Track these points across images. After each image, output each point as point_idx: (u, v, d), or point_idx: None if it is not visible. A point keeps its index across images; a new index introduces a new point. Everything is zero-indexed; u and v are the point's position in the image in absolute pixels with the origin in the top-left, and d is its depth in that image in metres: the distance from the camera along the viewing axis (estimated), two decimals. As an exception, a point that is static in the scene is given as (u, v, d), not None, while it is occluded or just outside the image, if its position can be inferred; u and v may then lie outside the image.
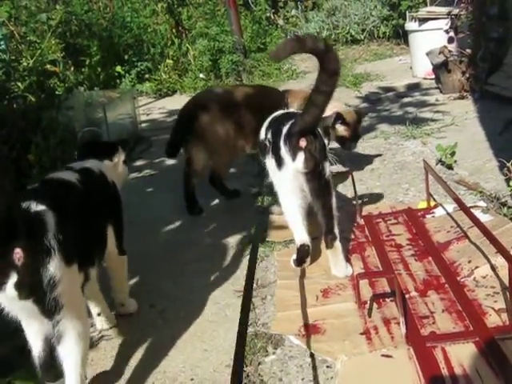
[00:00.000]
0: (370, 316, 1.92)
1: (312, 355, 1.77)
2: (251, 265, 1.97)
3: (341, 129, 3.13)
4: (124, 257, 2.15)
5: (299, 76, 7.01)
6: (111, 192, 2.05)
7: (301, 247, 2.29)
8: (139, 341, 2.02)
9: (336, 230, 2.22)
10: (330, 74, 2.01)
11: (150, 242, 2.80)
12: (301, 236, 2.28)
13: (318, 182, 2.16)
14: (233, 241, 2.68)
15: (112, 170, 2.11)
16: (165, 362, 1.88)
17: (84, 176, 1.87)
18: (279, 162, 2.18)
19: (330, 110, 2.96)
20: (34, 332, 1.64)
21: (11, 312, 1.55)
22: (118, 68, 6.92)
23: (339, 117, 3.06)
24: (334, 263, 2.25)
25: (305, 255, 2.30)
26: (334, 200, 2.21)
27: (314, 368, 1.72)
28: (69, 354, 1.57)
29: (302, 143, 2.10)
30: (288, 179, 2.19)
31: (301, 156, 2.11)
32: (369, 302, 1.98)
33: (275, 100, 3.09)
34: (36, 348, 1.66)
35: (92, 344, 2.01)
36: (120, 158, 2.19)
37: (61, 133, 3.05)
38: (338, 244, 2.23)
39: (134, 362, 1.91)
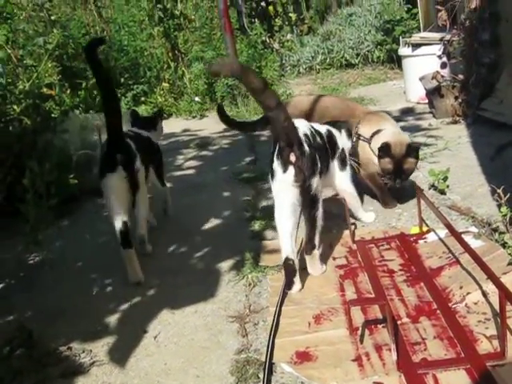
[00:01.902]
0: (361, 342, 1.93)
1: (303, 382, 1.77)
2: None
3: (384, 161, 2.97)
4: (165, 187, 3.36)
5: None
6: (155, 147, 3.22)
7: (285, 262, 2.35)
8: (131, 367, 2.01)
9: (317, 240, 2.43)
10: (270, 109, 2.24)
11: (143, 267, 2.79)
12: (286, 248, 2.35)
13: (306, 195, 2.32)
14: (225, 265, 2.68)
15: (154, 134, 3.28)
16: (157, 388, 1.88)
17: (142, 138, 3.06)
18: (272, 174, 2.34)
19: (385, 137, 3.00)
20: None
21: None
22: (115, 91, 6.96)
23: (384, 147, 2.94)
24: (310, 265, 2.49)
25: (291, 272, 2.35)
26: (319, 212, 2.39)
27: (306, 395, 1.72)
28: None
29: (292, 158, 2.26)
30: (278, 190, 2.35)
31: (291, 170, 2.28)
32: (360, 329, 1.98)
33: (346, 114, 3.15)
34: None
35: (83, 370, 2.01)
36: (159, 125, 3.39)
37: (56, 157, 3.06)
38: (316, 252, 2.46)
39: (125, 388, 1.90)
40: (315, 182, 2.33)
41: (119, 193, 2.64)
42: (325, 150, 2.52)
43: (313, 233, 2.41)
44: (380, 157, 2.97)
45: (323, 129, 2.65)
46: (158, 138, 3.38)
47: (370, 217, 2.99)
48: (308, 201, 2.34)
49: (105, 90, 2.70)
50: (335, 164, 2.69)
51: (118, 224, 2.63)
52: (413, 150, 2.96)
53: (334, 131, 2.72)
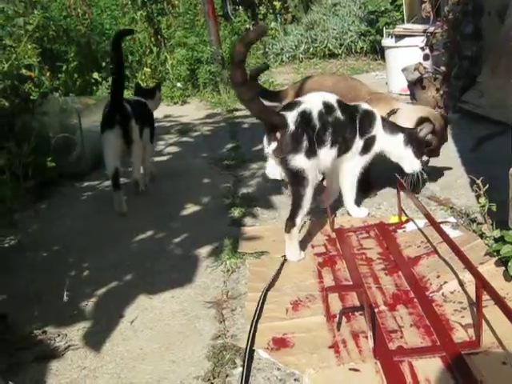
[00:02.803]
0: (338, 329, 1.93)
1: (280, 368, 1.77)
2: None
3: (429, 138, 2.95)
4: (152, 144, 3.83)
5: (276, 88, 7.03)
6: (149, 112, 3.75)
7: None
8: (107, 351, 1.99)
9: (298, 219, 2.44)
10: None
11: (121, 251, 2.78)
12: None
13: (287, 170, 2.43)
14: (204, 251, 2.67)
15: (152, 102, 3.84)
16: (132, 373, 1.86)
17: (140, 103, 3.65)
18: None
19: (416, 115, 3.01)
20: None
21: None
22: (95, 75, 6.89)
23: (430, 128, 2.89)
24: (288, 247, 2.49)
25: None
26: (305, 192, 2.42)
27: (282, 381, 1.72)
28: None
29: (274, 135, 2.41)
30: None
31: (272, 144, 2.42)
32: (338, 316, 1.98)
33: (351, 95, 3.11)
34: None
35: (58, 354, 1.99)
36: (157, 95, 3.93)
37: (34, 139, 3.02)
38: (295, 231, 2.47)
39: (100, 372, 1.88)
40: (297, 159, 2.38)
41: (114, 145, 3.28)
42: (339, 129, 2.55)
43: (294, 210, 2.44)
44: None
45: (355, 108, 2.69)
46: (156, 106, 3.97)
47: (361, 212, 2.90)
48: (290, 177, 2.44)
49: (118, 70, 3.44)
50: (358, 146, 2.69)
51: (111, 170, 3.27)
52: (449, 121, 2.99)
53: (373, 115, 2.74)
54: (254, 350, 1.86)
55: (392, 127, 2.81)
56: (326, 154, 2.52)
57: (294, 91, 3.31)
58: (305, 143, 2.40)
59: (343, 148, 2.61)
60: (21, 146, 2.68)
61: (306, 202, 2.44)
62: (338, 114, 2.55)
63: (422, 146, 2.88)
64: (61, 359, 1.97)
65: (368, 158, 2.78)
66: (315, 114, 2.45)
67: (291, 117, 2.40)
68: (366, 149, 2.74)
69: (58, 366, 1.93)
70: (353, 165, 2.75)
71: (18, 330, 2.13)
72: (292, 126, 2.37)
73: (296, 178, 2.42)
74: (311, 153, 2.42)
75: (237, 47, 2.26)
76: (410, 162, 2.83)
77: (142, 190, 3.55)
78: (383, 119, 2.81)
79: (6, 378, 1.71)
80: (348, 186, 2.81)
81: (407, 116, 3.04)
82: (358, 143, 2.69)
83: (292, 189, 2.46)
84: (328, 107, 2.52)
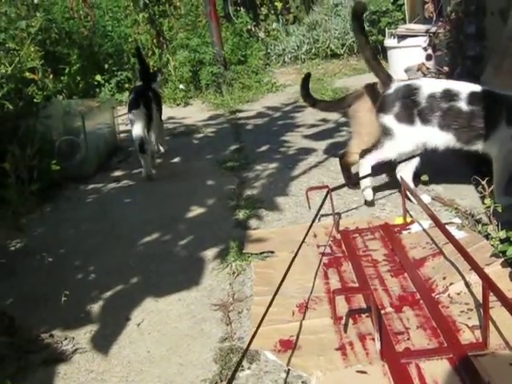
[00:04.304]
0: (345, 331, 1.93)
1: (287, 371, 1.78)
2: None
3: None
4: (162, 122, 4.64)
5: (279, 89, 7.04)
6: (158, 95, 4.50)
7: None
8: (114, 354, 2.00)
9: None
10: None
11: (127, 254, 2.78)
12: None
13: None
14: (210, 254, 2.67)
15: (155, 85, 4.40)
16: (140, 376, 1.87)
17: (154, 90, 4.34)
18: None
19: None
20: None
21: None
22: (98, 77, 6.88)
23: None
24: None
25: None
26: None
27: (289, 383, 1.72)
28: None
29: None
30: None
31: None
32: (344, 318, 1.99)
33: None
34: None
35: (66, 357, 2.00)
36: (159, 78, 4.61)
37: (38, 142, 3.02)
38: None
39: (108, 376, 1.89)
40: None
41: (140, 121, 3.99)
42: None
43: None
44: None
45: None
46: (158, 88, 4.60)
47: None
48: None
49: (142, 66, 4.45)
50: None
51: (138, 140, 3.98)
52: None
53: None
54: (259, 352, 1.87)
55: None
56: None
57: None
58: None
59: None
60: (25, 149, 2.68)
61: None
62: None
63: None
64: (68, 362, 1.98)
65: None
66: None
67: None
68: None
69: (65, 370, 1.93)
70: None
71: (26, 334, 2.13)
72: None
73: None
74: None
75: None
76: None
77: (156, 162, 4.29)
78: None
79: (15, 382, 1.72)
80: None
81: None
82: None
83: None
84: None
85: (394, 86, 2.86)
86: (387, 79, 2.90)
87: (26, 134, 3.48)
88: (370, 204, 3.04)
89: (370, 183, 3.05)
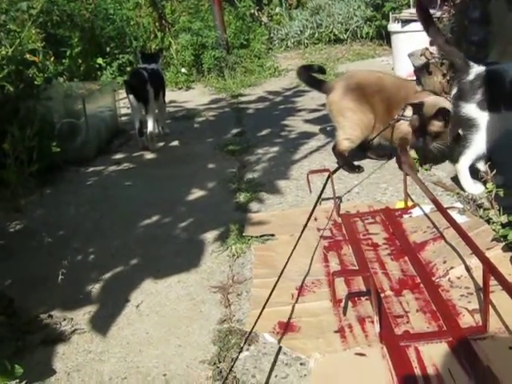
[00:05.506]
0: (344, 314, 1.93)
1: (286, 352, 1.77)
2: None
3: (413, 117, 3.08)
4: (165, 104, 4.64)
5: (281, 74, 7.01)
6: (160, 76, 4.56)
7: None
8: (113, 335, 2.00)
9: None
10: None
11: (127, 236, 2.78)
12: None
13: None
14: (210, 236, 2.66)
15: (157, 66, 4.43)
16: (138, 357, 1.86)
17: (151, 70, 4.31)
18: None
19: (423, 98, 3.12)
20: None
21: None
22: (100, 60, 6.86)
23: (416, 104, 3.07)
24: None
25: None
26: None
27: (288, 365, 1.72)
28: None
29: None
30: None
31: None
32: (344, 301, 1.98)
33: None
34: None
35: (64, 338, 2.00)
36: (161, 59, 4.58)
37: (38, 123, 3.00)
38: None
39: (106, 356, 1.88)
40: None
41: (135, 104, 4.13)
42: None
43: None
44: (413, 114, 3.08)
45: None
46: (159, 68, 4.57)
47: None
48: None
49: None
50: None
51: (137, 123, 4.21)
52: (441, 113, 2.97)
53: None
54: (257, 334, 1.86)
55: None
56: None
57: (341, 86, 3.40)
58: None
59: None
60: (24, 130, 2.67)
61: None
62: None
63: None
64: (67, 343, 1.97)
65: None
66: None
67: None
68: None
69: (64, 350, 1.93)
70: None
71: (25, 314, 2.13)
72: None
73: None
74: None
75: None
76: None
77: (155, 146, 4.28)
78: None
79: (13, 362, 1.71)
80: None
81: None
82: None
83: None
84: None
85: (474, 72, 2.70)
86: (465, 65, 2.75)
87: (26, 116, 3.46)
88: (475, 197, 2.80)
89: (471, 179, 2.82)
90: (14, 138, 2.47)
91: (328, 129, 4.20)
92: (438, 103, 3.03)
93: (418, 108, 3.04)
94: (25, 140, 2.52)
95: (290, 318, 1.93)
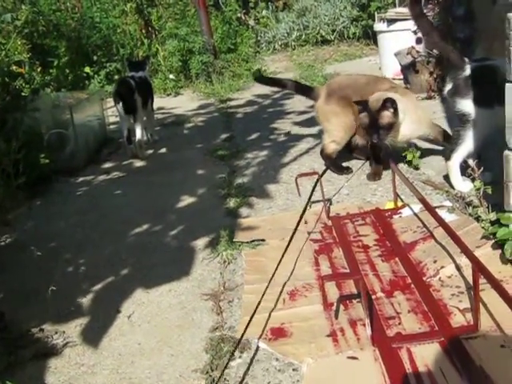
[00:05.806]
0: (336, 318, 1.92)
1: (278, 358, 1.77)
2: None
3: (361, 115, 3.05)
4: (153, 111, 4.70)
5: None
6: (148, 84, 4.59)
7: None
8: (105, 347, 1.99)
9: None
10: None
11: (117, 245, 2.77)
12: None
13: None
14: (200, 243, 2.66)
15: (144, 73, 4.44)
16: (131, 368, 1.86)
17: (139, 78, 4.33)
18: None
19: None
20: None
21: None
22: (87, 69, 6.85)
23: (361, 103, 3.06)
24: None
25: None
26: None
27: (281, 371, 1.71)
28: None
29: None
30: None
31: None
32: (335, 304, 1.98)
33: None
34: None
35: (56, 351, 1.99)
36: (147, 66, 4.56)
37: (24, 135, 2.99)
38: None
39: (98, 368, 1.88)
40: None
41: (124, 114, 4.11)
42: None
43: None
44: (359, 112, 3.08)
45: None
46: (147, 75, 4.59)
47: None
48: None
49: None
50: None
51: (125, 131, 4.20)
52: (386, 103, 2.94)
53: None
54: (249, 341, 1.86)
55: None
56: None
57: (324, 92, 3.44)
58: None
59: None
60: (10, 143, 2.65)
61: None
62: None
63: None
64: (59, 356, 1.96)
65: None
66: None
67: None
68: None
69: (56, 364, 1.92)
70: None
71: (16, 329, 2.12)
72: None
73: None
74: None
75: None
76: None
77: (144, 155, 4.26)
78: None
79: (4, 378, 1.70)
80: None
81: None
82: None
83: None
84: None
85: (468, 68, 2.70)
86: (460, 61, 2.74)
87: (12, 128, 3.44)
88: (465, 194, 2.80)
89: (461, 176, 2.81)
90: (0, 151, 2.45)
91: (316, 130, 4.20)
92: (382, 96, 3.02)
93: (363, 106, 3.03)
94: (10, 153, 2.50)
95: (281, 324, 1.92)
